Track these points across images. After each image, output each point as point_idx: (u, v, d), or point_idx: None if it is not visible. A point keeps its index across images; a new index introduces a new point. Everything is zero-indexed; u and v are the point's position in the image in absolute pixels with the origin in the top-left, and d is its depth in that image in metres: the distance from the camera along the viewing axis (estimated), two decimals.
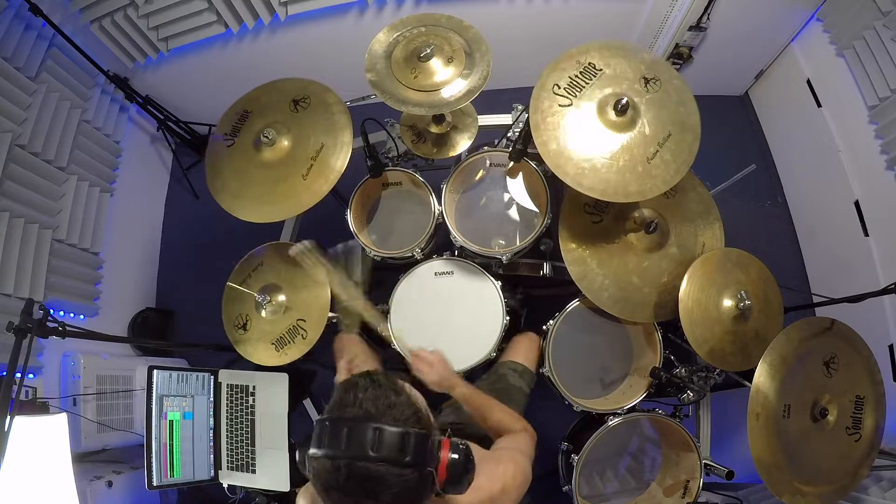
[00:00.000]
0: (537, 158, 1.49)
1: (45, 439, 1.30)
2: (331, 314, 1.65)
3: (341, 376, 1.43)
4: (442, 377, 1.29)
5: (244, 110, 1.62)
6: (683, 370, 1.55)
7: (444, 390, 1.30)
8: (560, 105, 1.38)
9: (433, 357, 1.32)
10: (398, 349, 1.62)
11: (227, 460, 1.77)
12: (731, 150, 2.66)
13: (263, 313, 1.64)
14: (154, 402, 1.68)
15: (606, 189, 1.34)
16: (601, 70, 1.41)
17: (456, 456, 0.79)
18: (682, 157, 1.36)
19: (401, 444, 0.73)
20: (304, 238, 1.64)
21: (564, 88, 1.39)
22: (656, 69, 1.42)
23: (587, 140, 1.36)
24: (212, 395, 1.79)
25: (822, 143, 2.27)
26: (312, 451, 0.76)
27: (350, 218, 1.67)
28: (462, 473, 0.79)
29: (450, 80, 1.48)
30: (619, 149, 1.36)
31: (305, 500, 1.02)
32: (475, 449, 0.84)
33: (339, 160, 1.51)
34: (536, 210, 1.71)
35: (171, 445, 1.69)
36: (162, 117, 2.61)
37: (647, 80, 1.41)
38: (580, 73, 1.40)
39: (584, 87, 1.39)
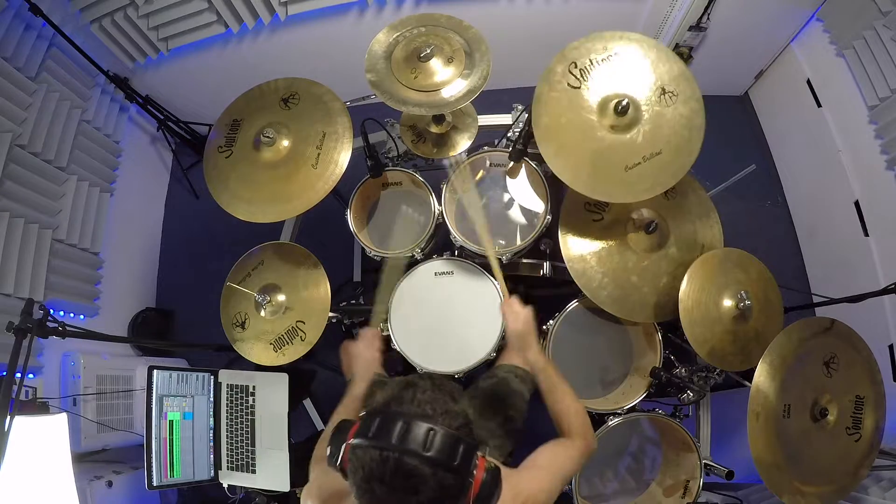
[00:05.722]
0: (537, 158, 1.49)
1: (45, 439, 1.30)
2: (331, 314, 1.65)
3: (359, 382, 1.38)
4: (525, 330, 1.25)
5: (233, 120, 1.59)
6: (683, 370, 1.55)
7: (520, 348, 1.26)
8: (569, 84, 1.37)
9: (523, 311, 1.27)
10: (398, 349, 1.62)
11: (227, 460, 1.76)
12: (731, 150, 2.66)
13: (263, 313, 1.63)
14: (154, 402, 1.68)
15: (571, 173, 1.33)
16: (622, 65, 1.38)
17: (489, 476, 0.79)
18: (660, 178, 1.34)
19: (452, 449, 0.74)
20: (303, 237, 1.62)
21: (580, 70, 1.37)
22: (679, 83, 1.36)
23: (578, 128, 1.36)
24: (212, 395, 1.79)
25: (822, 143, 2.26)
26: (357, 440, 0.76)
27: (350, 218, 1.67)
28: (489, 495, 0.79)
29: (450, 80, 1.48)
30: (606, 147, 1.35)
31: (312, 500, 1.00)
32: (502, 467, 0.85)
33: (343, 146, 1.49)
34: (536, 210, 1.71)
35: (171, 445, 1.69)
36: (162, 117, 2.61)
37: (664, 91, 1.36)
38: (602, 59, 1.38)
39: (597, 77, 1.37)
